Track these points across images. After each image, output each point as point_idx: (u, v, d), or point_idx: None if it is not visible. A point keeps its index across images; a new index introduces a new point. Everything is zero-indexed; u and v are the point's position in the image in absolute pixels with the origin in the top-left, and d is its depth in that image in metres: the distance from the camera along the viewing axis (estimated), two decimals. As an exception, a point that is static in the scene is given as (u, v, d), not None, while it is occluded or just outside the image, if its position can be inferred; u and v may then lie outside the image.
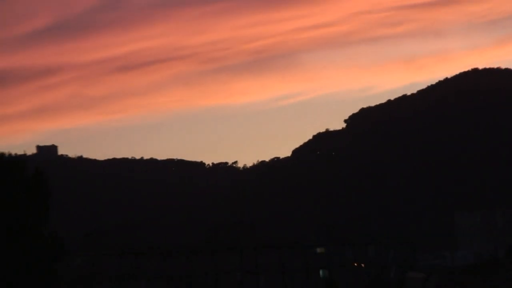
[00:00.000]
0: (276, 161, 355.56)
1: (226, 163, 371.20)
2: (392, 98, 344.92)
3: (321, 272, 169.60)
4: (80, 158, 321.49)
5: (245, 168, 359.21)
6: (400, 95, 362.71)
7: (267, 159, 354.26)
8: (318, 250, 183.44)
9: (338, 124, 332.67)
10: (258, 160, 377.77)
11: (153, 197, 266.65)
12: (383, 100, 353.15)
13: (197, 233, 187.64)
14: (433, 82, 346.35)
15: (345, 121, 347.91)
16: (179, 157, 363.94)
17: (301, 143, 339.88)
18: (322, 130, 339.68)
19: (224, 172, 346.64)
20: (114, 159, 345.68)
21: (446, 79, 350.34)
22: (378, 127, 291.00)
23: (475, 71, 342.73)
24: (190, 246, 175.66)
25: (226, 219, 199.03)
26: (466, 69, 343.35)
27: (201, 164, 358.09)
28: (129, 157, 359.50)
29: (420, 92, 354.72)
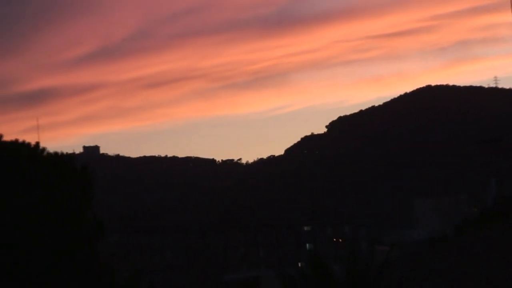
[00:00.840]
0: (272, 158, 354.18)
1: (233, 159, 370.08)
2: (363, 109, 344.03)
3: (307, 245, 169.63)
4: (117, 156, 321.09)
5: (247, 164, 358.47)
6: (369, 106, 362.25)
7: (264, 156, 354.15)
8: (305, 228, 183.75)
9: (321, 129, 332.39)
10: (257, 157, 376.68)
11: (174, 186, 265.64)
12: (356, 110, 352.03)
13: (210, 215, 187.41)
14: (395, 96, 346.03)
15: (326, 126, 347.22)
16: (195, 155, 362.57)
17: (291, 143, 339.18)
18: (308, 133, 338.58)
19: (231, 167, 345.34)
20: (144, 157, 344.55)
21: (406, 93, 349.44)
22: (352, 131, 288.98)
23: (428, 87, 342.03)
24: (204, 226, 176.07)
25: (233, 204, 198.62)
26: (421, 86, 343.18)
27: (213, 160, 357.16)
28: (156, 155, 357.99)
29: (385, 103, 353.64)
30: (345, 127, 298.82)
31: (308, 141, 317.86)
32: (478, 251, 28.87)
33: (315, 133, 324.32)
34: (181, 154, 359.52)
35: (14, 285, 31.69)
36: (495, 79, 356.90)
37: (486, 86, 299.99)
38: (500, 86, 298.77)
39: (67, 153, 39.76)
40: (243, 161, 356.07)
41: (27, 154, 35.08)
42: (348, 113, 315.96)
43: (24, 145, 35.70)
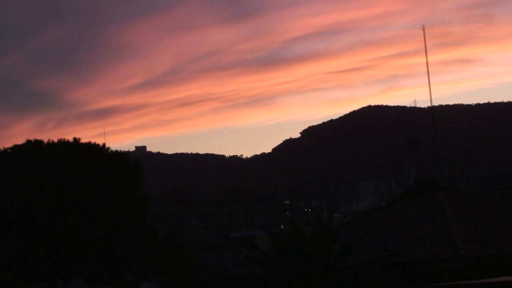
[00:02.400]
0: (263, 154, 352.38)
1: (237, 155, 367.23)
2: (325, 121, 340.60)
3: (287, 213, 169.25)
4: (158, 153, 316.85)
5: (246, 158, 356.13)
6: (329, 119, 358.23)
7: (258, 153, 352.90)
8: (286, 201, 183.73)
9: (296, 135, 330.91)
10: (253, 154, 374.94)
11: (197, 173, 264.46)
12: (320, 122, 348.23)
13: (221, 192, 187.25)
14: (347, 112, 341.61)
15: (300, 133, 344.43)
16: (211, 152, 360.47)
17: (277, 144, 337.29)
18: (288, 138, 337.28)
19: (236, 160, 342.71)
20: (176, 153, 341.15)
21: (354, 111, 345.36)
22: (318, 136, 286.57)
23: (369, 106, 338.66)
24: (217, 199, 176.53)
25: (236, 185, 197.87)
26: (364, 106, 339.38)
27: (223, 156, 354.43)
28: (185, 152, 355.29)
29: (340, 117, 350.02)
30: (313, 134, 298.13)
31: (288, 142, 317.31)
32: (402, 217, 28.58)
33: (293, 137, 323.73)
34: (202, 152, 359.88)
35: (90, 239, 31.87)
36: (415, 101, 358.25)
37: (408, 105, 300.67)
38: (418, 105, 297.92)
39: (124, 151, 39.64)
40: (244, 156, 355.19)
41: (97, 151, 35.07)
42: (315, 124, 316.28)
43: (95, 145, 35.65)
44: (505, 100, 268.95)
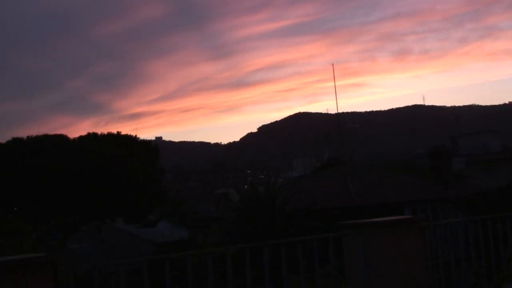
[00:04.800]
0: (235, 142, 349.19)
1: (218, 142, 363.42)
2: (273, 121, 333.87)
3: (249, 179, 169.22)
4: (170, 141, 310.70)
5: (224, 144, 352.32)
6: (276, 120, 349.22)
7: (231, 141, 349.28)
8: (248, 171, 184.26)
9: (255, 129, 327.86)
10: (228, 142, 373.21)
11: (194, 153, 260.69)
12: (270, 122, 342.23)
13: (208, 165, 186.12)
14: (287, 116, 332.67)
15: (258, 128, 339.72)
16: (203, 140, 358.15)
17: (243, 135, 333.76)
18: (250, 131, 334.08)
19: (217, 146, 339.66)
20: (182, 141, 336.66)
21: (290, 115, 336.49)
22: (269, 131, 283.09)
23: (299, 112, 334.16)
24: (206, 169, 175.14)
25: (219, 160, 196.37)
26: (296, 112, 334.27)
27: (209, 143, 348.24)
28: (188, 140, 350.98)
29: (282, 119, 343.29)
30: (266, 129, 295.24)
31: (250, 135, 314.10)
32: (319, 181, 28.40)
33: (253, 131, 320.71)
34: (196, 140, 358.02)
35: (127, 194, 31.51)
36: (327, 110, 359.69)
37: (323, 112, 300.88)
38: (329, 112, 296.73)
39: (147, 140, 39.26)
40: (222, 143, 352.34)
41: (131, 140, 34.59)
42: (267, 123, 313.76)
43: (130, 137, 35.17)
44: (383, 109, 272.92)
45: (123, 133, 34.62)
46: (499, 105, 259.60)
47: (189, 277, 4.06)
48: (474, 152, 48.10)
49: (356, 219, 5.21)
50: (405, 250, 4.84)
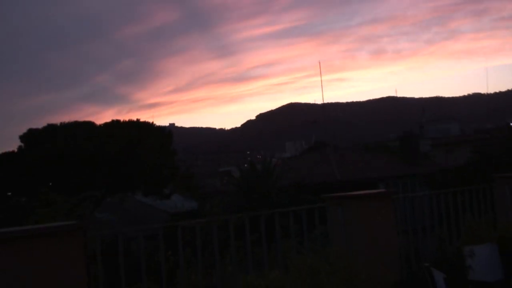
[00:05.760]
0: (236, 127, 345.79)
1: (222, 128, 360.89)
2: (270, 109, 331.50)
3: (248, 158, 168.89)
4: (181, 127, 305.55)
5: (227, 130, 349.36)
6: (271, 109, 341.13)
7: (234, 127, 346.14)
8: (248, 152, 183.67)
9: (254, 117, 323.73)
10: (231, 127, 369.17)
11: (201, 137, 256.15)
12: (267, 110, 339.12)
13: (214, 147, 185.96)
14: (280, 105, 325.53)
15: (256, 116, 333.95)
16: (209, 126, 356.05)
17: (244, 122, 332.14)
18: (249, 119, 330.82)
19: (222, 131, 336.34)
20: (192, 126, 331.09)
21: (283, 105, 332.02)
22: (266, 118, 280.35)
23: (291, 103, 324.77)
24: (212, 150, 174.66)
25: (223, 143, 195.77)
26: (289, 102, 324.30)
27: (224, 129, 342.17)
28: (197, 126, 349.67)
29: (277, 108, 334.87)
30: (263, 116, 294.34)
31: (250, 121, 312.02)
32: (307, 160, 28.31)
33: (252, 119, 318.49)
34: (204, 126, 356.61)
35: (145, 171, 31.41)
36: (315, 100, 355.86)
37: (311, 102, 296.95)
38: (316, 103, 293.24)
39: (163, 125, 39.12)
40: (226, 128, 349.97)
41: (149, 126, 34.48)
42: (264, 111, 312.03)
43: (148, 123, 35.01)
44: (362, 100, 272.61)
45: (142, 120, 34.48)
46: (459, 96, 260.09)
47: (198, 241, 4.07)
48: (437, 136, 48.09)
49: (338, 193, 5.22)
50: (379, 218, 4.86)
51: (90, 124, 33.96)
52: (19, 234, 3.17)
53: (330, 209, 4.91)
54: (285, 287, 3.54)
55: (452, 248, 4.81)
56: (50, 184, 25.34)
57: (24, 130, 35.69)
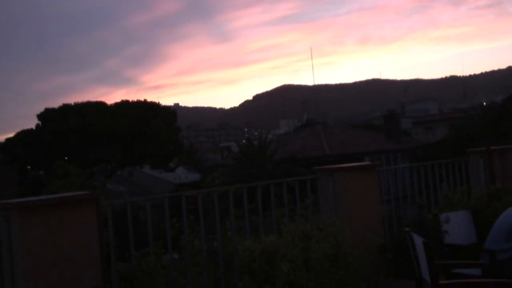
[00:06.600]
0: (234, 107, 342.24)
1: (222, 107, 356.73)
2: (265, 90, 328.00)
3: (246, 135, 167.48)
4: (185, 106, 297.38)
5: (226, 109, 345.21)
6: (266, 90, 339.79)
7: (232, 106, 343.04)
8: (245, 129, 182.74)
9: (251, 97, 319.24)
10: (229, 107, 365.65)
11: (204, 115, 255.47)
12: (263, 91, 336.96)
13: (215, 124, 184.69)
14: (276, 86, 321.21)
15: (253, 96, 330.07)
16: (208, 105, 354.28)
17: (242, 101, 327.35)
18: (247, 99, 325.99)
19: (220, 109, 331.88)
20: (195, 106, 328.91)
21: (278, 86, 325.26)
22: (262, 98, 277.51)
23: (285, 85, 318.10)
24: (212, 127, 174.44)
25: (224, 120, 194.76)
26: (283, 84, 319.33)
27: (224, 108, 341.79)
28: (198, 106, 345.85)
29: (273, 89, 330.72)
30: (259, 97, 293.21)
31: (247, 101, 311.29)
32: (299, 136, 28.23)
33: (248, 99, 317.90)
34: (205, 105, 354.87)
35: (153, 146, 31.34)
36: (306, 82, 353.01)
37: (303, 84, 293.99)
38: (308, 84, 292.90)
39: (168, 105, 38.94)
40: (225, 107, 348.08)
41: (155, 106, 34.29)
42: (260, 92, 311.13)
43: (154, 103, 34.81)
44: (349, 82, 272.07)
45: (148, 100, 34.38)
46: (438, 79, 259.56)
47: (200, 210, 4.08)
48: (417, 115, 48.11)
49: (328, 166, 5.22)
50: (364, 189, 4.88)
51: (102, 104, 33.82)
52: (44, 202, 3.19)
53: (321, 180, 4.91)
54: (279, 250, 3.56)
55: (430, 215, 4.84)
56: (66, 158, 25.32)
57: (41, 109, 35.53)
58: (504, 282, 3.51)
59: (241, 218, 4.30)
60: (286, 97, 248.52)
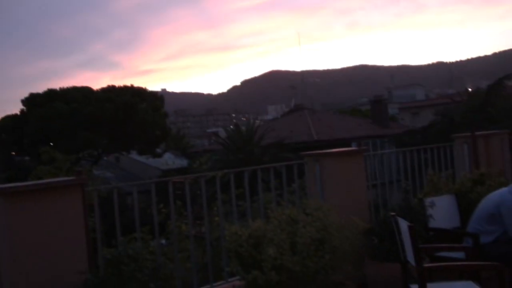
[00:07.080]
0: (223, 92, 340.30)
1: (210, 93, 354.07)
2: (254, 76, 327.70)
3: (234, 121, 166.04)
4: (173, 92, 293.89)
5: (213, 95, 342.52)
6: (255, 76, 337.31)
7: (220, 92, 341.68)
8: (233, 115, 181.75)
9: (239, 83, 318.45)
10: (218, 93, 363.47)
11: (192, 100, 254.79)
12: (251, 77, 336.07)
13: (202, 110, 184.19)
14: (265, 72, 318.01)
15: (241, 82, 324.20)
16: (196, 91, 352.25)
17: (230, 87, 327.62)
18: (235, 84, 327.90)
19: (207, 95, 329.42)
20: (183, 92, 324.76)
21: (267, 72, 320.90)
22: (251, 83, 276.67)
23: (273, 70, 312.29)
24: (200, 113, 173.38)
25: (214, 108, 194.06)
26: (272, 69, 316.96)
27: (211, 93, 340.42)
28: (186, 91, 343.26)
29: (261, 75, 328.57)
30: (247, 82, 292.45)
31: (235, 87, 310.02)
32: (284, 122, 28.19)
33: (237, 85, 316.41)
34: (193, 91, 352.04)
35: (140, 132, 31.12)
36: (294, 68, 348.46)
37: (291, 70, 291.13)
38: (294, 70, 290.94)
39: (155, 90, 38.58)
40: (213, 93, 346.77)
41: (143, 91, 33.95)
42: (248, 78, 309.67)
43: (142, 88, 34.47)
44: (337, 67, 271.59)
45: (135, 85, 34.04)
46: (424, 64, 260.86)
47: (187, 195, 4.07)
48: (404, 101, 48.34)
49: (315, 151, 5.24)
50: (351, 174, 4.90)
51: (88, 89, 33.39)
52: (30, 188, 3.18)
53: (308, 165, 4.92)
54: (266, 235, 3.58)
55: (415, 199, 4.89)
56: (51, 144, 25.05)
57: (25, 94, 35.05)
58: (486, 264, 3.57)
59: (229, 203, 4.30)
60: (274, 83, 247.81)
